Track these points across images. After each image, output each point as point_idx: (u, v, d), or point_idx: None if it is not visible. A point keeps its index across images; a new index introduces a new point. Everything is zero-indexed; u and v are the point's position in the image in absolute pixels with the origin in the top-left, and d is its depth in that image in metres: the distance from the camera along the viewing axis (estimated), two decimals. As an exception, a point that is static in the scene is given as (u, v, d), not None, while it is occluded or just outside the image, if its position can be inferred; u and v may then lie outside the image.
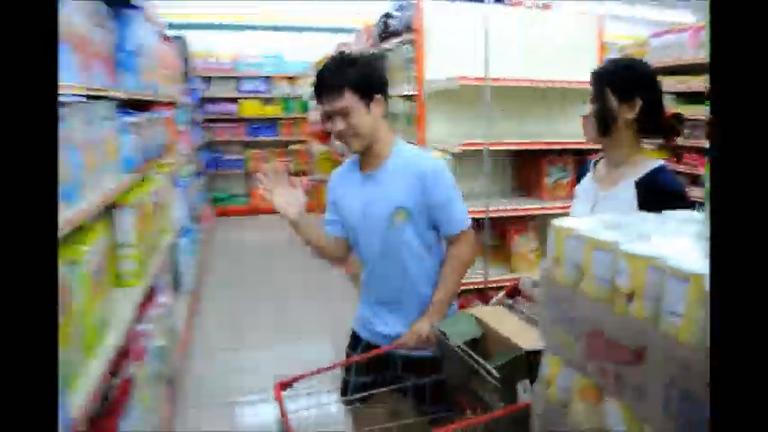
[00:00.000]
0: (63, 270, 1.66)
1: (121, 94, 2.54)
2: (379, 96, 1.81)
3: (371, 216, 1.87)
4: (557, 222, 0.92)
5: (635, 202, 1.60)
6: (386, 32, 3.59)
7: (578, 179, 1.93)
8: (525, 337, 1.41)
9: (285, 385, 1.67)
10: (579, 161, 2.70)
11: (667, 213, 0.95)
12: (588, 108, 1.71)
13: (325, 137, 6.83)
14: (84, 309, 1.81)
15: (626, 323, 0.76)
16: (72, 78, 1.90)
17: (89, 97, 2.12)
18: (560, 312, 0.89)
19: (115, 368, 2.05)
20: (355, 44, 4.86)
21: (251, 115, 8.50)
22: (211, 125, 8.31)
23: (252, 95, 8.49)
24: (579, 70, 2.69)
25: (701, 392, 0.65)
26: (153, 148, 3.22)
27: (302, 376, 1.72)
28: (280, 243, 6.29)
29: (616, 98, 1.65)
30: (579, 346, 0.84)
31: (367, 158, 1.88)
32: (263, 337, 4.03)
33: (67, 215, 1.68)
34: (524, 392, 1.31)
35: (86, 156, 2.01)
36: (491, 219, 2.67)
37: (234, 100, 8.48)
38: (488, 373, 1.34)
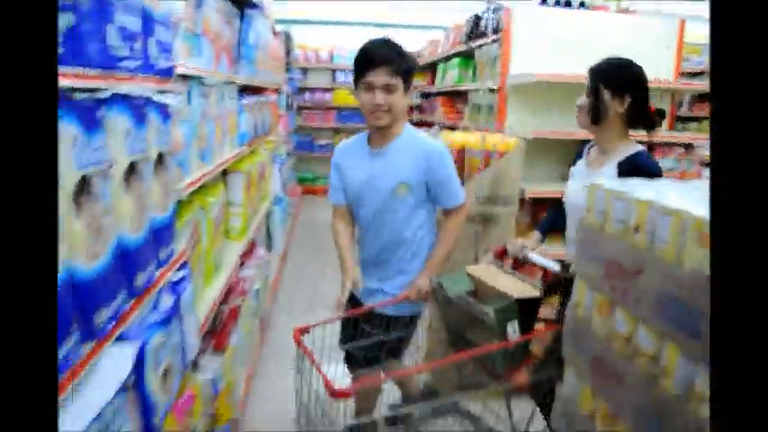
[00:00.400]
0: (196, 214, 2.09)
1: (241, 81, 2.99)
2: (412, 87, 2.05)
3: (376, 187, 2.08)
4: (594, 183, 1.19)
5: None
6: (475, 32, 3.85)
7: (574, 162, 2.14)
8: (515, 288, 1.66)
9: (303, 331, 1.88)
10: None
11: (684, 182, 1.19)
12: (583, 99, 1.93)
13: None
14: (207, 247, 2.24)
15: (632, 251, 1.02)
16: (208, 66, 2.33)
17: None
18: (589, 249, 1.16)
19: (224, 299, 2.49)
20: (444, 41, 5.13)
21: (340, 104, 9.00)
22: (305, 111, 8.91)
23: (343, 86, 8.99)
24: (656, 70, 2.83)
25: (678, 295, 0.91)
26: (260, 127, 3.67)
27: (317, 324, 1.94)
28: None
29: (609, 93, 1.86)
30: (600, 272, 1.11)
31: (381, 135, 2.08)
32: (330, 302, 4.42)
33: (202, 171, 2.11)
34: (513, 333, 1.56)
35: (217, 128, 2.45)
36: (554, 199, 2.91)
37: (329, 89, 9.03)
38: (485, 314, 1.58)
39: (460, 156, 2.68)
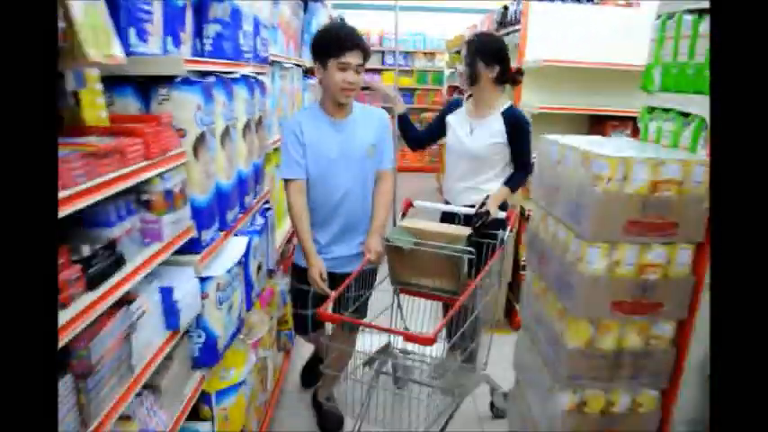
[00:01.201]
0: (272, 168, 2.78)
1: (305, 64, 3.63)
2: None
3: (351, 154, 2.28)
4: (541, 137, 1.81)
5: (503, 127, 2.46)
6: (503, 21, 4.40)
7: (449, 110, 2.71)
8: (458, 230, 2.05)
9: (324, 315, 1.99)
10: (637, 127, 3.35)
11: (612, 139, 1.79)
12: (462, 67, 2.51)
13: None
14: (279, 197, 2.94)
15: (556, 176, 1.64)
16: (282, 51, 2.99)
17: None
18: (539, 178, 1.79)
19: (289, 239, 3.19)
20: (479, 27, 5.65)
21: (388, 85, 9.61)
22: (354, 92, 9.55)
23: (391, 68, 9.59)
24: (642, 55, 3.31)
25: (571, 197, 1.52)
26: (319, 103, 4.33)
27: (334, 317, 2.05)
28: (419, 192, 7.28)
29: (483, 63, 2.43)
30: (542, 193, 1.74)
31: (340, 109, 2.28)
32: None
33: (275, 138, 2.79)
34: (465, 267, 1.94)
35: (288, 102, 3.13)
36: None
37: (378, 71, 9.65)
38: (462, 252, 1.92)
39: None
